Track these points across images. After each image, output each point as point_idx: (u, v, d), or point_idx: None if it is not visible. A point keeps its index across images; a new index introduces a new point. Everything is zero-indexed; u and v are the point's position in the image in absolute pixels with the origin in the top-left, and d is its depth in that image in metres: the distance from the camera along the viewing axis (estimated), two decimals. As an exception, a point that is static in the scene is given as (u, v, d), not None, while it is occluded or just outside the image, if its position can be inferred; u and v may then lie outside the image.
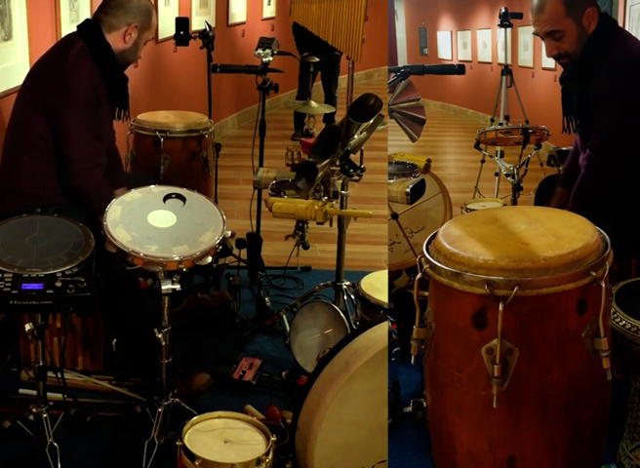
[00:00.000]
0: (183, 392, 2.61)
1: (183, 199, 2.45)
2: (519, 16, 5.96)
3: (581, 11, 2.56)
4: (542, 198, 3.03)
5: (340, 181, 2.83)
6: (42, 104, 2.68)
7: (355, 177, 2.71)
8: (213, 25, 3.93)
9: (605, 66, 2.55)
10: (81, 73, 2.68)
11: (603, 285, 1.67)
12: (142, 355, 2.65)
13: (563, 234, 1.77)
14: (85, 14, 3.98)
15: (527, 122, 5.45)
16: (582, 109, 2.67)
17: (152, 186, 2.50)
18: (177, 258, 2.23)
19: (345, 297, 3.09)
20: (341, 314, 2.82)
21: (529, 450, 1.75)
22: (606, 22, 2.62)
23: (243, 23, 7.53)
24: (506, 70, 6.01)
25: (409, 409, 2.58)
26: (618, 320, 2.07)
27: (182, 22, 3.78)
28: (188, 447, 2.04)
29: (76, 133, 2.69)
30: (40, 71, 2.77)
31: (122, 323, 2.71)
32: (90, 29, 2.79)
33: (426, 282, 1.80)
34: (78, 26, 2.84)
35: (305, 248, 2.89)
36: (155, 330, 2.34)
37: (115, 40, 2.80)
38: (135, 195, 2.44)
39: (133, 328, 2.68)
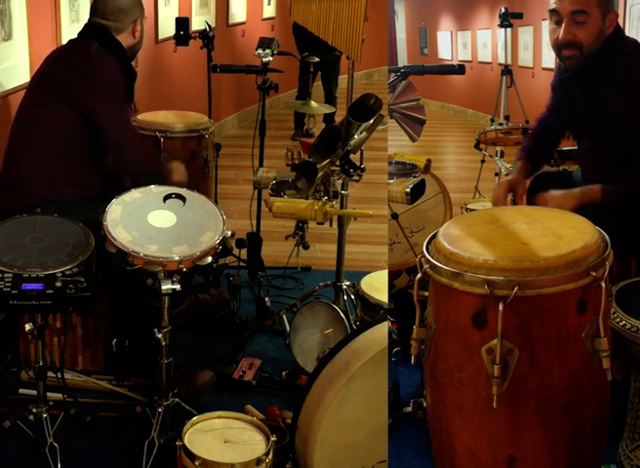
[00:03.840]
0: (186, 390, 2.62)
1: (183, 199, 2.45)
2: (519, 16, 5.97)
3: (608, 9, 2.47)
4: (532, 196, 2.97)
5: (340, 181, 2.83)
6: (68, 101, 2.70)
7: (355, 177, 2.71)
8: (213, 25, 3.93)
9: (623, 83, 2.47)
10: (107, 66, 2.76)
11: (603, 285, 1.67)
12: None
13: (563, 234, 1.77)
14: (85, 14, 3.97)
15: (527, 122, 5.45)
16: (589, 114, 2.58)
17: (152, 186, 2.50)
18: (177, 258, 2.23)
19: (345, 297, 3.09)
20: (341, 314, 2.82)
21: (529, 450, 1.75)
22: (619, 34, 2.55)
23: (243, 23, 7.53)
24: (506, 70, 6.01)
25: (409, 409, 2.58)
26: (618, 320, 2.07)
27: (182, 22, 3.78)
28: (188, 447, 2.04)
29: (113, 117, 2.79)
30: (58, 70, 2.79)
31: (140, 323, 2.70)
32: (99, 32, 2.83)
33: (426, 282, 1.80)
34: (84, 31, 2.87)
35: (305, 248, 2.89)
36: (155, 330, 2.34)
37: (125, 38, 2.88)
38: (135, 195, 2.44)
39: (146, 328, 2.68)
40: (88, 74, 2.72)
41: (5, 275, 2.12)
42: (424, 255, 1.81)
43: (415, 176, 2.71)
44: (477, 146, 4.75)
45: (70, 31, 3.75)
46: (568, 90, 2.69)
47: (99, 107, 2.72)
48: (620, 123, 2.51)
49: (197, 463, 2.00)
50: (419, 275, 1.79)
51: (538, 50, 8.04)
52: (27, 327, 2.22)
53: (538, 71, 8.04)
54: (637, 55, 2.55)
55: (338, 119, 3.90)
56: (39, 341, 2.27)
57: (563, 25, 2.46)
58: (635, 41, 2.62)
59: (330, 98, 7.10)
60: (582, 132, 2.74)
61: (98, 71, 2.73)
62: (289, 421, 2.34)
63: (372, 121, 2.53)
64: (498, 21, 5.96)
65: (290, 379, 2.86)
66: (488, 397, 1.68)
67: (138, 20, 2.88)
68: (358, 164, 2.68)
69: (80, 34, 2.87)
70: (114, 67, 2.78)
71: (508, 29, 5.92)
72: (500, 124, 5.56)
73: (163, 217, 2.36)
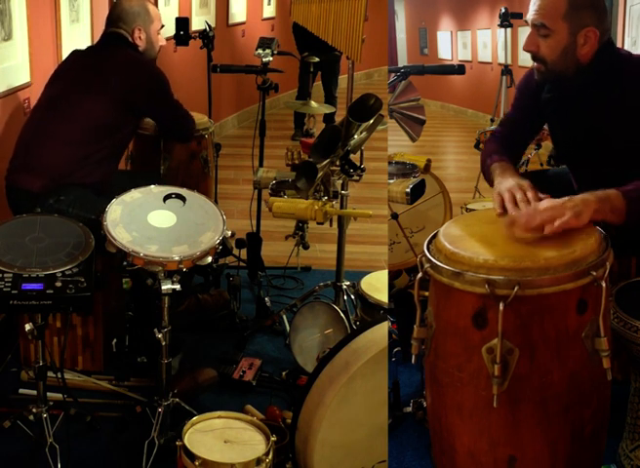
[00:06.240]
0: (188, 385, 2.65)
1: (183, 199, 2.45)
2: (519, 16, 5.97)
3: (581, 24, 2.23)
4: None
5: (340, 181, 2.83)
6: (124, 102, 2.87)
7: (355, 177, 2.71)
8: (213, 25, 3.93)
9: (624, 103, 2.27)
10: (154, 65, 3.07)
11: (603, 284, 1.67)
12: None
13: (563, 233, 1.77)
14: (85, 14, 3.98)
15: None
16: (589, 140, 2.38)
17: (152, 186, 2.50)
18: (177, 258, 2.23)
19: (345, 297, 3.09)
20: (341, 314, 2.82)
21: (529, 450, 1.75)
22: (607, 53, 2.30)
23: (243, 23, 7.53)
24: (506, 70, 6.03)
25: (409, 409, 2.57)
26: (617, 320, 2.07)
27: (182, 22, 3.79)
28: (188, 447, 2.04)
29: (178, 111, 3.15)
30: (107, 63, 2.93)
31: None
32: (122, 40, 2.99)
33: (427, 281, 1.80)
34: (107, 39, 3.03)
35: (305, 248, 2.89)
36: (155, 330, 2.34)
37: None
38: (135, 195, 2.44)
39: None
40: (144, 66, 2.97)
41: (5, 275, 2.12)
42: (425, 255, 1.81)
43: (415, 176, 2.71)
44: (477, 146, 4.75)
45: (70, 31, 3.76)
46: (557, 112, 2.48)
47: (159, 102, 3.02)
48: (628, 149, 2.31)
49: (197, 463, 2.00)
50: (419, 275, 1.79)
51: (537, 50, 8.01)
52: (27, 327, 2.22)
53: (538, 71, 8.02)
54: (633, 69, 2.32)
55: (338, 119, 3.89)
56: (39, 341, 2.27)
57: (528, 35, 2.32)
58: (629, 53, 2.43)
59: (330, 98, 7.10)
60: (582, 159, 2.50)
61: (152, 66, 3.02)
62: (289, 421, 2.34)
63: (372, 121, 2.53)
64: (498, 21, 5.98)
65: (290, 379, 2.86)
66: (488, 397, 1.68)
67: (137, 28, 2.99)
68: (358, 164, 2.68)
69: (107, 41, 3.03)
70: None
71: (508, 29, 5.93)
72: (500, 124, 5.56)
73: (163, 217, 2.37)
